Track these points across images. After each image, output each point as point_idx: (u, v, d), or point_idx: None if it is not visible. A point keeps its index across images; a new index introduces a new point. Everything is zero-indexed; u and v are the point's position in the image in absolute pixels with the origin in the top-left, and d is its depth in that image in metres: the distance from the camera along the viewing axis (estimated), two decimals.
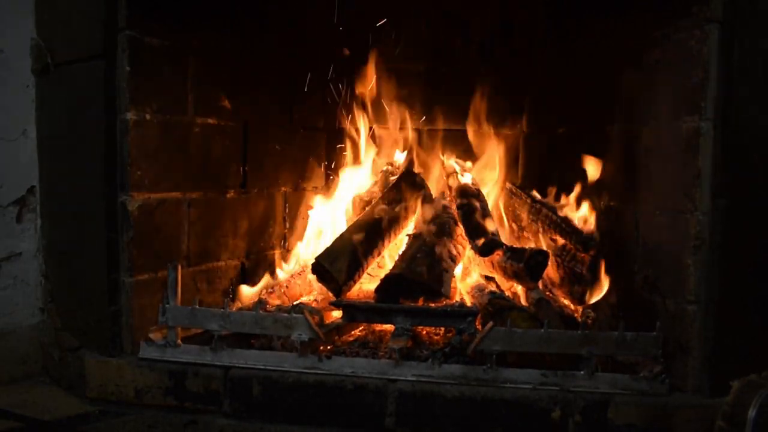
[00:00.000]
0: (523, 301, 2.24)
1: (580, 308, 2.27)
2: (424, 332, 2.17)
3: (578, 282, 2.26)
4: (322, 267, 2.23)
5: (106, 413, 1.95)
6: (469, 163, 2.75)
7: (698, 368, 1.80)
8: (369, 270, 2.43)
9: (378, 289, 2.21)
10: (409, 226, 2.56)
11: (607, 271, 2.17)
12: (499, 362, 1.86)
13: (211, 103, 2.30)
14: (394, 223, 2.48)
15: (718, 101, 1.76)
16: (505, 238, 2.48)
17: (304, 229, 2.74)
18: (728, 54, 1.75)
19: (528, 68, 2.68)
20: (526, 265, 2.23)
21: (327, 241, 2.51)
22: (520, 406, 1.82)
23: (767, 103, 1.73)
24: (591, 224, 2.31)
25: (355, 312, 2.10)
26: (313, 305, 2.26)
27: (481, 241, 2.27)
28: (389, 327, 2.12)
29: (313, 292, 2.43)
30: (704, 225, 1.78)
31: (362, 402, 1.86)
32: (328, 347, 2.04)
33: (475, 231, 2.30)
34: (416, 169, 2.77)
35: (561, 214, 2.44)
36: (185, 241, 2.21)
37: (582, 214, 2.38)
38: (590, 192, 2.38)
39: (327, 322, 2.12)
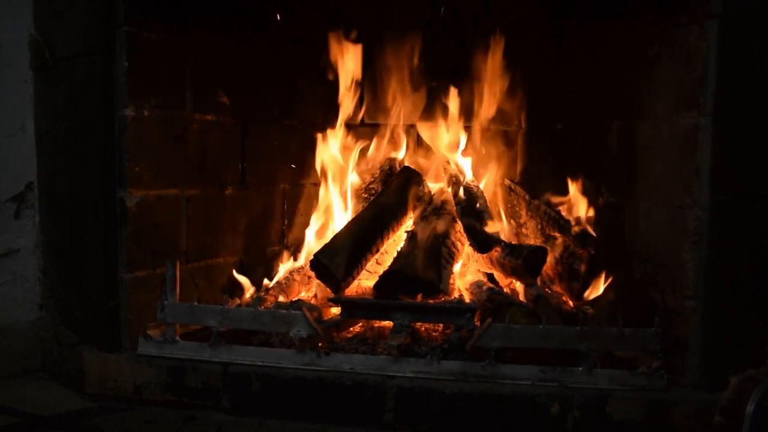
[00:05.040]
0: (522, 298, 2.24)
1: (578, 304, 2.27)
2: (423, 328, 2.17)
3: (577, 278, 2.26)
4: (321, 263, 2.23)
5: (104, 409, 1.95)
6: (468, 160, 2.75)
7: (697, 363, 1.81)
8: (368, 266, 2.42)
9: (377, 286, 2.21)
10: (408, 223, 2.56)
11: (606, 267, 2.17)
12: (498, 358, 1.86)
13: (209, 99, 2.30)
14: (392, 219, 2.48)
15: (717, 97, 1.76)
16: (503, 234, 2.48)
17: (303, 225, 2.73)
18: (727, 50, 1.75)
19: (527, 65, 2.68)
20: (524, 261, 2.23)
21: (326, 238, 2.51)
22: (518, 402, 1.82)
23: (766, 99, 1.73)
24: (590, 220, 2.31)
25: (353, 308, 2.10)
26: (311, 302, 2.26)
27: (479, 238, 2.27)
28: (388, 323, 2.11)
29: (311, 288, 2.43)
30: (703, 220, 1.78)
31: (361, 398, 1.87)
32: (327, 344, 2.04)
33: (473, 227, 2.30)
34: (415, 166, 2.77)
35: (559, 210, 2.44)
36: (183, 237, 2.21)
37: (580, 210, 2.38)
38: (589, 188, 2.38)
39: (325, 318, 2.11)
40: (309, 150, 2.85)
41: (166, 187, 2.14)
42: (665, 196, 1.92)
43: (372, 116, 2.87)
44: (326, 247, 2.30)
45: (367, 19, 2.72)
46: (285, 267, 2.56)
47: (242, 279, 2.39)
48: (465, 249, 2.45)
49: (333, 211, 2.70)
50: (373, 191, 2.71)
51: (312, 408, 1.89)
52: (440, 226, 2.39)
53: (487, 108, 2.69)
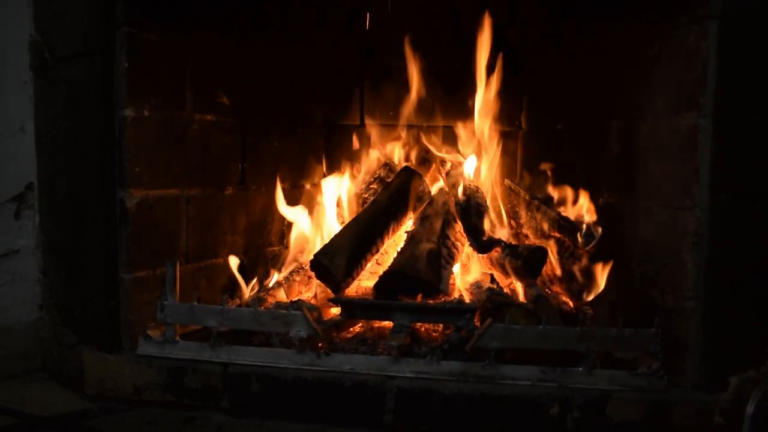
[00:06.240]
0: (522, 298, 2.24)
1: (578, 304, 2.27)
2: (423, 329, 2.17)
3: (577, 278, 2.26)
4: (321, 264, 2.23)
5: (104, 409, 1.95)
6: (467, 160, 2.75)
7: (696, 364, 1.81)
8: (368, 266, 2.43)
9: (377, 286, 2.21)
10: (408, 223, 2.56)
11: (606, 268, 2.17)
12: (498, 359, 1.86)
13: (209, 99, 2.30)
14: (392, 219, 2.48)
15: (717, 97, 1.76)
16: (503, 235, 2.48)
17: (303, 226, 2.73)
18: (727, 50, 1.74)
19: (527, 65, 2.68)
20: (524, 262, 2.23)
21: (326, 238, 2.51)
22: (518, 402, 1.82)
23: (766, 100, 1.73)
24: (589, 221, 2.31)
25: (353, 309, 2.10)
26: (311, 302, 2.26)
27: (479, 238, 2.27)
28: (388, 324, 2.11)
29: (312, 288, 2.43)
30: (703, 221, 1.78)
31: (361, 398, 1.87)
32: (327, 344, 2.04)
33: (473, 228, 2.30)
34: (415, 166, 2.77)
35: (559, 210, 2.44)
36: (184, 237, 2.21)
37: (580, 211, 2.37)
38: (589, 188, 2.38)
39: (325, 318, 2.11)
40: (309, 150, 2.85)
41: (166, 187, 2.14)
42: (665, 196, 1.92)
43: (372, 116, 2.87)
44: (326, 247, 2.30)
45: (367, 19, 2.73)
46: (285, 267, 2.56)
47: (240, 279, 2.39)
48: (465, 249, 2.45)
49: (333, 211, 2.70)
50: (373, 191, 2.71)
51: (312, 408, 1.89)
52: (440, 226, 2.39)
53: (487, 108, 2.69)
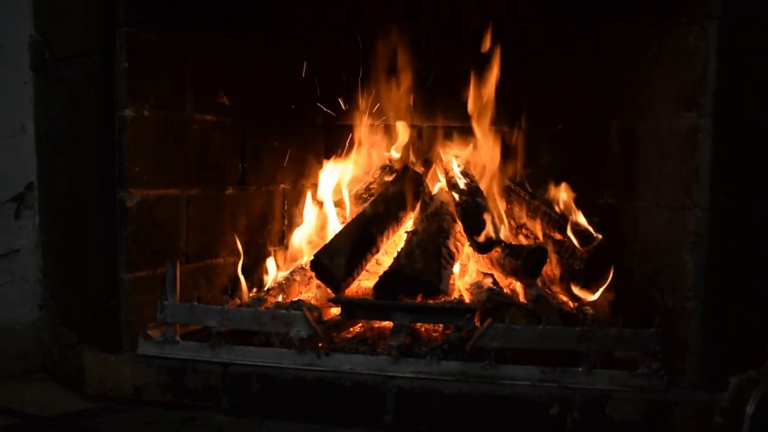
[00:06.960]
0: (522, 298, 2.24)
1: (578, 304, 2.26)
2: (423, 329, 2.17)
3: (577, 279, 2.26)
4: (321, 263, 2.23)
5: (104, 409, 1.95)
6: (467, 160, 2.75)
7: (696, 364, 1.81)
8: (368, 266, 2.43)
9: (377, 286, 2.21)
10: (408, 223, 2.56)
11: (606, 268, 2.17)
12: (498, 359, 1.86)
13: (209, 99, 2.30)
14: (392, 219, 2.48)
15: (717, 97, 1.76)
16: (503, 235, 2.47)
17: (303, 225, 2.73)
18: (727, 50, 1.74)
19: (527, 66, 2.68)
20: (524, 262, 2.23)
21: (326, 238, 2.51)
22: (518, 402, 1.82)
23: (766, 100, 1.73)
24: (589, 221, 2.31)
25: (353, 309, 2.10)
26: (311, 302, 2.26)
27: (479, 238, 2.27)
28: (388, 324, 2.11)
29: (312, 288, 2.43)
30: (703, 221, 1.78)
31: (361, 398, 1.87)
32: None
33: (473, 228, 2.30)
34: (415, 166, 2.77)
35: (559, 210, 2.44)
36: (184, 237, 2.21)
37: (580, 211, 2.37)
38: (589, 188, 2.38)
39: (325, 318, 2.11)
40: (309, 150, 2.85)
41: (166, 187, 2.14)
42: (665, 196, 1.92)
43: (372, 116, 2.87)
44: (327, 247, 2.30)
45: (366, 19, 2.73)
46: (285, 267, 2.56)
47: (242, 280, 2.39)
48: (465, 249, 2.45)
49: (333, 211, 2.70)
50: (373, 191, 2.71)
51: (312, 408, 1.89)
52: (440, 226, 2.39)
53: (487, 108, 2.68)
